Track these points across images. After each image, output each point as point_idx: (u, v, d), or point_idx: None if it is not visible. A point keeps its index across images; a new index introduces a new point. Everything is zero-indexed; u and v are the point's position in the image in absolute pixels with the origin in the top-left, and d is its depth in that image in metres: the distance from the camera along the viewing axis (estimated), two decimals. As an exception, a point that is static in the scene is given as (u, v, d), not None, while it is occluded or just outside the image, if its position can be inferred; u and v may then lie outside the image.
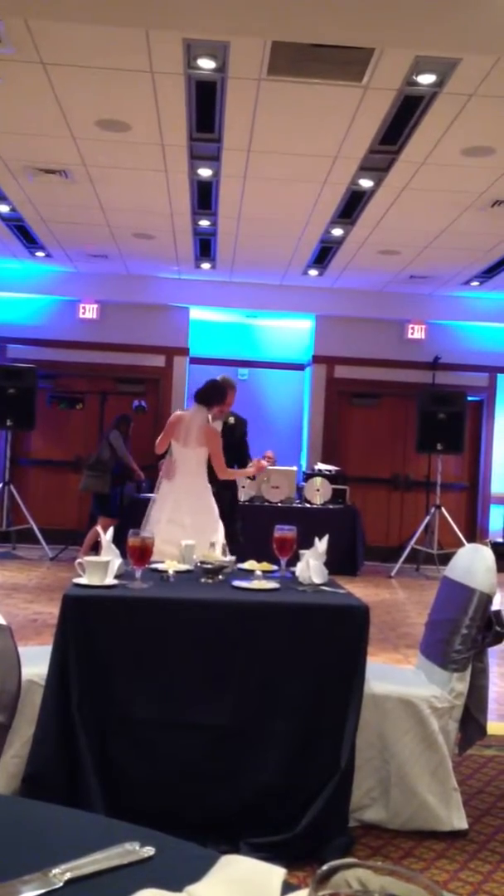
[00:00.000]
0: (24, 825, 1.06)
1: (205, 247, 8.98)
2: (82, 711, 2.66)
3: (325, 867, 0.62)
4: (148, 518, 5.28)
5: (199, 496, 5.24)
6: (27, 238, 8.90)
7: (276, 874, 0.82)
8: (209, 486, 5.29)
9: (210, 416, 5.35)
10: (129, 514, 8.70)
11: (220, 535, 5.00)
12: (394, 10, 3.91)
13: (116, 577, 3.00)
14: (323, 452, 10.79)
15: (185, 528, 4.89)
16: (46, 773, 2.62)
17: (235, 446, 5.97)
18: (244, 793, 2.74)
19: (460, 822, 2.90)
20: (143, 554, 2.99)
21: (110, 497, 8.97)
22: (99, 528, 3.32)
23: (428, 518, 9.94)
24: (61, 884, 0.89)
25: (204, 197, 7.27)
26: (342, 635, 2.82)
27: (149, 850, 0.96)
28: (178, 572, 3.25)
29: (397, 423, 10.99)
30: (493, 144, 5.72)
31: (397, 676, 3.31)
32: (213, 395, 5.38)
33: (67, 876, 0.90)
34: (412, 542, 9.80)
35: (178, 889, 0.84)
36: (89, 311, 10.69)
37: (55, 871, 0.91)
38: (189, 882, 0.85)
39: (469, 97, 5.02)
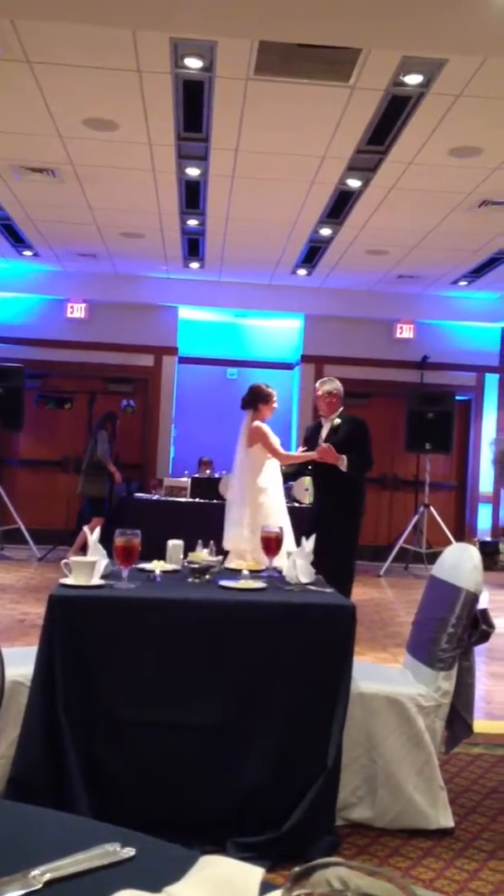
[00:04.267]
0: (3, 827, 1.05)
1: (193, 246, 8.98)
2: (68, 712, 2.65)
3: (297, 868, 0.62)
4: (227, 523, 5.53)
5: (247, 494, 5.44)
6: (14, 237, 8.87)
7: (254, 874, 0.82)
8: (262, 487, 5.47)
9: (259, 417, 5.56)
10: (118, 513, 8.70)
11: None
12: (380, 10, 3.92)
13: (103, 577, 3.00)
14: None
15: (239, 526, 5.12)
16: (32, 775, 2.62)
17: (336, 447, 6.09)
18: (231, 793, 2.74)
19: (447, 820, 2.91)
20: (129, 554, 2.98)
21: (104, 498, 8.98)
22: (86, 529, 3.31)
23: (416, 517, 9.96)
24: (41, 885, 0.89)
25: (192, 196, 7.26)
26: (329, 635, 2.82)
27: (129, 851, 0.96)
28: (164, 572, 3.25)
29: (386, 423, 10.98)
30: (479, 145, 5.74)
31: (384, 675, 3.32)
32: (249, 398, 5.61)
33: (47, 877, 0.90)
34: (401, 541, 9.82)
35: (158, 890, 0.84)
36: (77, 311, 10.66)
37: (34, 872, 0.90)
38: (169, 882, 0.85)
39: (456, 98, 5.04)
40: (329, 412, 6.11)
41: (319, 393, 6.21)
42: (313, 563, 3.26)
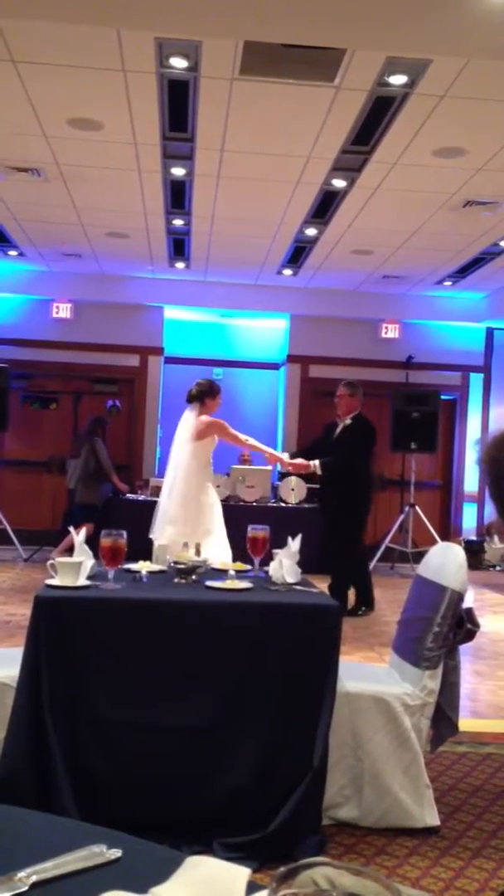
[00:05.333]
0: (-10, 829, 1.05)
1: (179, 246, 8.97)
2: (54, 713, 2.65)
3: (283, 868, 0.63)
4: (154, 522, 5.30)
5: (189, 490, 5.22)
6: (-1, 237, 8.85)
7: (240, 874, 0.83)
8: (206, 483, 5.29)
9: (206, 412, 5.36)
10: (105, 515, 8.68)
11: (216, 536, 4.99)
12: (365, 11, 3.93)
13: (89, 577, 2.99)
14: (297, 452, 10.80)
15: (176, 525, 4.98)
16: (18, 776, 2.61)
17: (334, 445, 6.49)
18: (218, 793, 2.74)
19: (432, 818, 2.92)
20: (115, 554, 2.98)
21: (98, 505, 8.97)
22: (73, 530, 3.30)
23: (402, 516, 9.99)
24: (27, 887, 0.89)
25: (177, 196, 7.26)
26: (315, 634, 2.82)
27: (115, 853, 0.96)
28: (151, 573, 3.25)
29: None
30: (463, 145, 5.76)
31: (370, 674, 3.33)
32: (197, 392, 5.44)
33: (33, 879, 0.90)
34: (387, 541, 9.85)
35: (144, 891, 0.84)
36: (63, 311, 10.62)
37: (21, 874, 0.90)
38: (155, 884, 0.85)
39: (440, 98, 5.05)
40: (345, 413, 6.72)
41: (339, 394, 6.77)
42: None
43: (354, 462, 6.60)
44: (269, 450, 5.93)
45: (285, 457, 6.39)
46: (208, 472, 5.31)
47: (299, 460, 6.12)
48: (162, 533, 4.98)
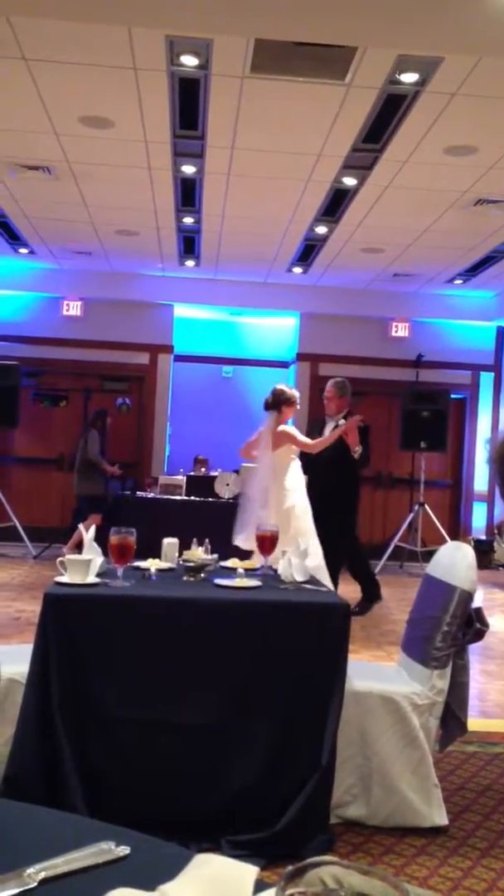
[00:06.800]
0: (-1, 825, 1.06)
1: (189, 244, 8.97)
2: (63, 711, 2.65)
3: (291, 867, 0.63)
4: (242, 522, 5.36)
5: (273, 497, 5.38)
6: (10, 235, 8.86)
7: (248, 873, 0.83)
8: (289, 489, 5.44)
9: (283, 419, 5.58)
10: (113, 511, 8.69)
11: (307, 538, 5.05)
12: (376, 8, 3.92)
13: (98, 575, 3.00)
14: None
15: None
16: (27, 774, 2.62)
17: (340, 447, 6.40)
18: (226, 791, 2.74)
19: (441, 818, 2.92)
20: (124, 552, 2.98)
21: (101, 495, 8.99)
22: (82, 527, 3.31)
23: (412, 515, 9.97)
24: (35, 883, 0.89)
25: (188, 194, 7.26)
26: (323, 633, 2.82)
27: (124, 850, 0.96)
28: (159, 570, 3.25)
29: (381, 421, 10.97)
30: (475, 143, 5.74)
31: (378, 673, 3.33)
32: (272, 400, 5.62)
33: (42, 875, 0.90)
34: (396, 540, 9.83)
35: (152, 888, 0.84)
36: (73, 309, 10.65)
37: (29, 870, 0.91)
38: (163, 881, 0.85)
39: (451, 96, 5.04)
40: (336, 412, 6.53)
41: (328, 395, 6.62)
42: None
43: (369, 461, 6.66)
44: (339, 430, 5.98)
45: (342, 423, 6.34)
46: (291, 477, 5.42)
47: (359, 418, 6.13)
48: (243, 535, 5.09)
